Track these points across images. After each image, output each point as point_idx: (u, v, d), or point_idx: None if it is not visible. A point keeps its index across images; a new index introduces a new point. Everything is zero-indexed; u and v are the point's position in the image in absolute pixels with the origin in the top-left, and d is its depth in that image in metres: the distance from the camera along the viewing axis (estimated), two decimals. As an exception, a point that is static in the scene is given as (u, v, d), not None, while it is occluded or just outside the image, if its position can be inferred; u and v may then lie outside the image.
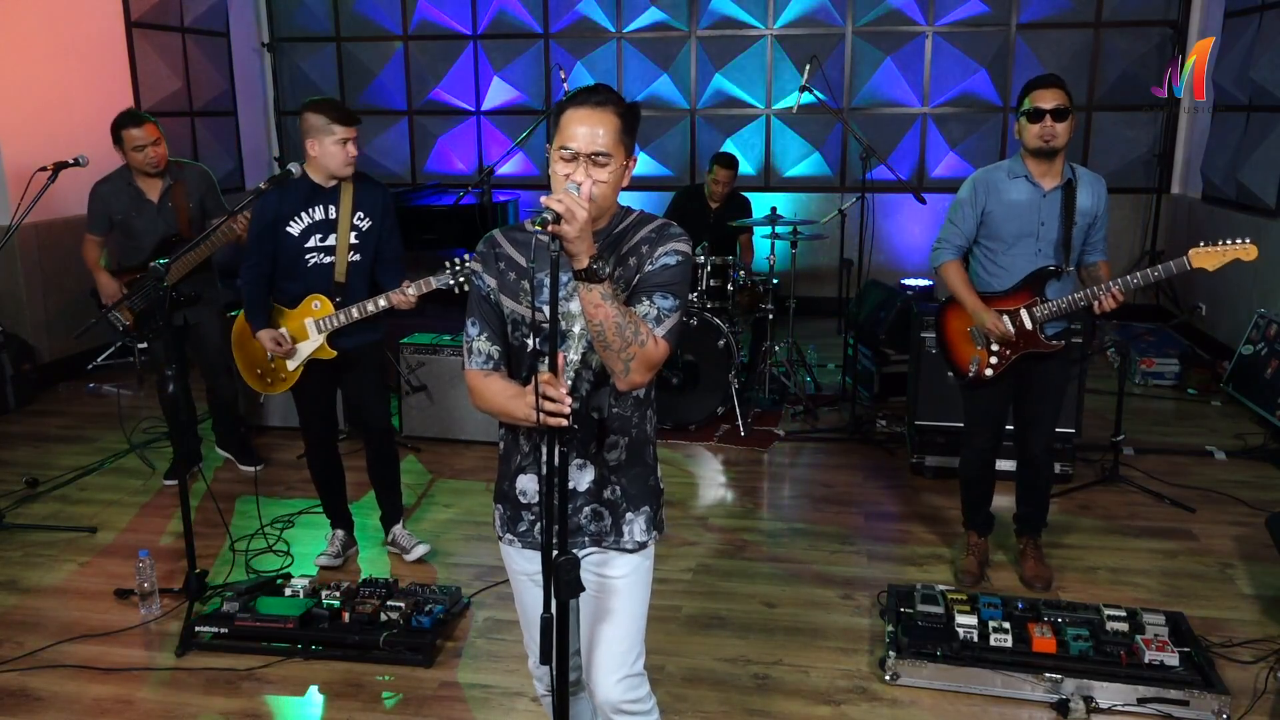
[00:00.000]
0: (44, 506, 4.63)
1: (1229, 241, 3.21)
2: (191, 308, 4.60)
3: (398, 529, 4.10)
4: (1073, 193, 3.40)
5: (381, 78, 8.84)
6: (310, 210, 3.61)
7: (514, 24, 8.53)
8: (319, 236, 3.63)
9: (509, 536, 2.22)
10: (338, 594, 3.50)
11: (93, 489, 4.85)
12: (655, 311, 2.01)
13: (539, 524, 2.16)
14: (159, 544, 4.17)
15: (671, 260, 2.04)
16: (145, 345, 3.78)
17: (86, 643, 3.43)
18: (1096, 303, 3.32)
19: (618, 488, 2.16)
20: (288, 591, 3.56)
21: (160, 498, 4.71)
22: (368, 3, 8.70)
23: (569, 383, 2.06)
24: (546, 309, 1.95)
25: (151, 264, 3.32)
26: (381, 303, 3.64)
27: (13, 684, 3.20)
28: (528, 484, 2.16)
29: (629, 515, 2.17)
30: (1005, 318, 3.47)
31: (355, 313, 3.64)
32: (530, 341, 2.09)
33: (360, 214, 3.65)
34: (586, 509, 2.15)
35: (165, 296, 3.32)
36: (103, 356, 6.79)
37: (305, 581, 3.58)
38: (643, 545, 2.19)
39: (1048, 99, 3.32)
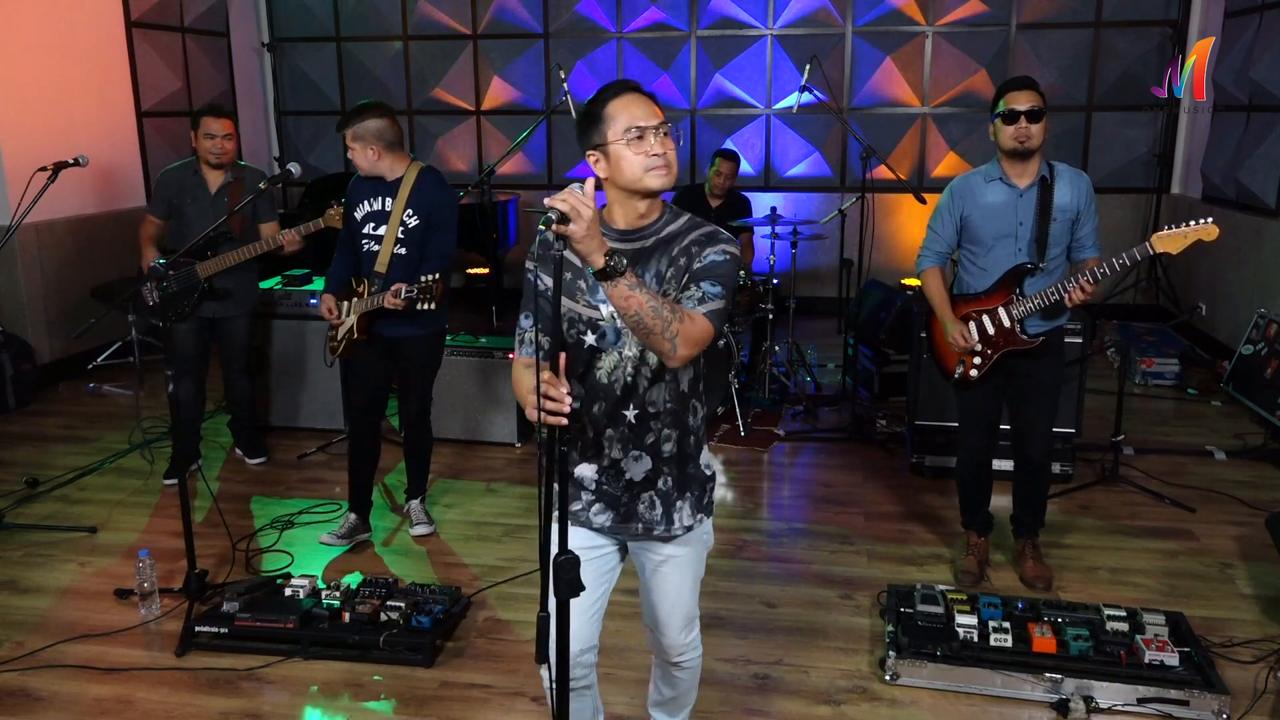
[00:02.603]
0: (44, 506, 4.63)
1: (1190, 223, 3.22)
2: (219, 302, 4.73)
3: (415, 503, 4.34)
4: (1049, 190, 3.41)
5: (381, 78, 8.84)
6: (373, 199, 3.90)
7: (514, 24, 8.53)
8: (373, 225, 3.90)
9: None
10: (338, 594, 3.51)
11: (93, 489, 4.85)
12: (700, 294, 2.08)
13: (596, 504, 2.27)
14: (159, 544, 4.17)
15: (719, 257, 2.12)
16: (165, 325, 3.87)
17: (86, 643, 3.43)
18: (1066, 295, 3.33)
19: (669, 478, 2.26)
20: (288, 591, 3.56)
21: (160, 498, 4.71)
22: (368, 3, 8.70)
23: (628, 379, 2.16)
24: (604, 308, 2.11)
25: (151, 264, 3.33)
26: (378, 300, 3.81)
27: (13, 684, 3.20)
28: (586, 470, 2.26)
29: (678, 503, 2.29)
30: (968, 328, 3.53)
31: (370, 304, 3.85)
32: (586, 338, 2.18)
33: (410, 211, 3.85)
34: (644, 496, 2.26)
35: (163, 299, 3.33)
36: (103, 356, 6.79)
37: (305, 581, 3.58)
38: (690, 528, 2.31)
39: (1022, 100, 3.34)
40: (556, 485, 1.87)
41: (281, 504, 4.62)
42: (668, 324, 1.96)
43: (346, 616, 3.41)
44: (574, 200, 1.82)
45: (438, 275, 3.68)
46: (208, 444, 5.30)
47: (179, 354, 4.74)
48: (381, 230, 3.87)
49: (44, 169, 4.25)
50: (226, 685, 3.19)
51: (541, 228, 1.82)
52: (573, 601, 1.90)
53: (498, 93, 8.72)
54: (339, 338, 4.04)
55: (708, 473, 2.36)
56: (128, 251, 6.70)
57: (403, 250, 3.87)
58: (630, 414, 2.20)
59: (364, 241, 3.92)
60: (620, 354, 2.16)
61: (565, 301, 2.18)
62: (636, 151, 2.05)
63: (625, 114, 2.06)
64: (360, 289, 3.92)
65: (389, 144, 3.80)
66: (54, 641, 3.42)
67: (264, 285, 5.54)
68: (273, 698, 3.13)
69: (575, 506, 2.29)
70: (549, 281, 2.16)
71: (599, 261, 1.87)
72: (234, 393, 5.03)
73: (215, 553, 4.09)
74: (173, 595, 3.67)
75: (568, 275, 2.17)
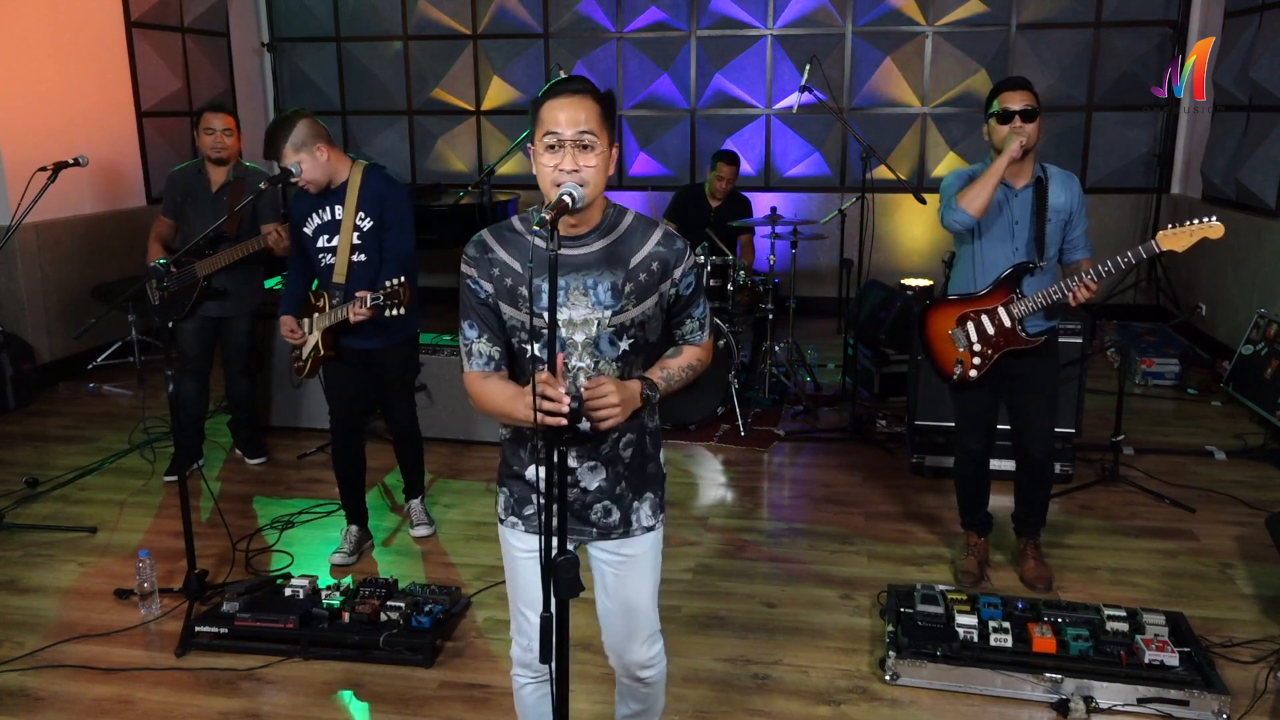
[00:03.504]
0: (44, 506, 4.63)
1: (1195, 221, 3.21)
2: (219, 301, 4.70)
3: (415, 503, 4.31)
4: (1044, 190, 3.41)
5: (381, 78, 8.84)
6: (320, 211, 3.69)
7: (514, 24, 8.53)
8: (326, 237, 3.70)
9: (513, 519, 2.24)
10: (338, 594, 3.51)
11: (93, 489, 4.85)
12: (696, 324, 2.22)
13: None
14: (159, 544, 4.17)
15: (693, 279, 2.17)
16: (171, 325, 3.85)
17: (86, 643, 3.43)
18: (1070, 295, 3.32)
19: (624, 482, 2.21)
20: (288, 591, 3.56)
21: (161, 498, 4.71)
22: (367, 3, 8.70)
23: (580, 391, 2.08)
24: (545, 315, 1.97)
25: (152, 264, 3.33)
26: (342, 313, 3.59)
27: (13, 684, 3.20)
28: (538, 473, 2.20)
29: (635, 504, 2.24)
30: (966, 329, 3.49)
31: (333, 317, 3.66)
32: (529, 347, 2.10)
33: (362, 214, 3.67)
34: (598, 505, 2.20)
35: (164, 298, 3.32)
36: (103, 356, 6.79)
37: (305, 581, 3.58)
38: (650, 529, 2.27)
39: (1016, 100, 3.33)
40: (553, 485, 1.87)
41: (281, 504, 4.62)
42: (696, 370, 2.22)
43: (346, 616, 3.41)
44: (602, 408, 1.95)
45: (403, 279, 3.46)
46: (208, 444, 5.29)
47: (184, 353, 4.76)
48: (335, 240, 3.67)
49: (44, 169, 4.25)
50: (226, 685, 3.19)
51: (535, 228, 1.80)
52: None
53: (498, 93, 8.72)
54: (304, 356, 3.87)
55: (664, 471, 2.31)
56: (128, 251, 6.73)
57: (361, 256, 3.67)
58: (584, 424, 2.09)
59: (319, 255, 3.70)
60: (566, 365, 2.08)
61: (507, 309, 2.10)
62: (548, 161, 1.97)
63: (549, 118, 1.96)
64: (320, 303, 3.76)
65: (328, 140, 3.60)
66: (54, 641, 3.42)
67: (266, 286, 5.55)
68: (273, 698, 3.13)
69: (528, 511, 2.21)
70: (490, 288, 2.11)
71: (642, 405, 2.08)
72: (234, 393, 5.03)
73: (215, 553, 4.09)
74: (173, 595, 3.67)
75: (508, 281, 2.08)
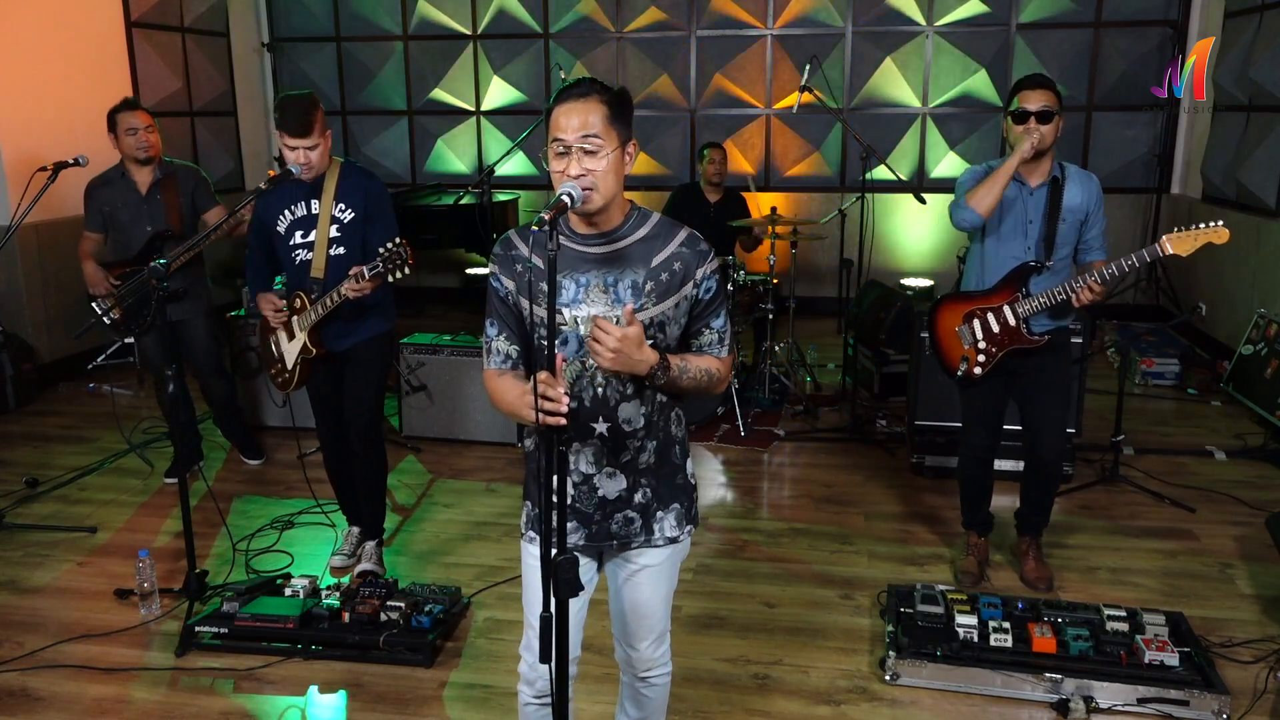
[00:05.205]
0: (44, 506, 4.63)
1: (1201, 225, 3.21)
2: (176, 304, 4.51)
3: (370, 545, 3.94)
4: (1059, 190, 3.40)
5: (381, 78, 8.85)
6: (294, 207, 3.58)
7: (514, 24, 8.53)
8: (301, 233, 3.59)
9: (531, 534, 2.23)
10: (338, 594, 3.51)
11: (93, 489, 4.85)
12: (715, 336, 2.17)
13: (568, 522, 2.17)
14: (159, 544, 4.17)
15: (714, 284, 2.14)
16: (132, 340, 3.79)
17: (86, 643, 3.43)
18: (1074, 296, 3.32)
19: (649, 490, 2.19)
20: (288, 591, 3.56)
21: (160, 498, 4.71)
22: (368, 3, 8.70)
23: (597, 390, 2.09)
24: (565, 311, 2.03)
25: (152, 263, 3.31)
26: (335, 297, 3.45)
27: (13, 684, 3.20)
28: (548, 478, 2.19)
29: (659, 514, 2.21)
30: (971, 325, 3.50)
31: (320, 309, 3.52)
32: (546, 344, 2.10)
33: (342, 205, 3.56)
34: (618, 515, 2.17)
35: (156, 294, 3.30)
36: (103, 356, 6.79)
37: (305, 581, 3.58)
38: (674, 540, 2.24)
39: (1034, 100, 3.33)
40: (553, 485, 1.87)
41: (281, 504, 4.62)
42: (713, 379, 2.14)
43: (346, 616, 3.41)
44: (600, 346, 1.92)
45: (401, 238, 3.33)
46: (208, 444, 5.29)
47: (153, 364, 4.71)
48: (312, 235, 3.55)
49: (44, 169, 4.25)
50: (227, 685, 3.19)
51: (535, 228, 1.80)
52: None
53: (498, 93, 8.72)
54: (290, 365, 3.68)
55: (693, 482, 2.28)
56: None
57: (340, 249, 3.55)
58: (601, 427, 2.09)
59: (294, 253, 3.58)
60: (584, 364, 2.07)
61: (527, 305, 2.11)
62: (555, 167, 1.99)
63: (554, 124, 1.99)
64: (298, 303, 3.61)
65: None
66: (54, 641, 3.42)
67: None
68: (273, 698, 3.13)
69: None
70: (510, 286, 2.12)
71: (644, 372, 2.00)
72: (211, 397, 4.93)
73: (215, 553, 4.09)
74: (173, 595, 3.67)
75: (528, 277, 2.08)
